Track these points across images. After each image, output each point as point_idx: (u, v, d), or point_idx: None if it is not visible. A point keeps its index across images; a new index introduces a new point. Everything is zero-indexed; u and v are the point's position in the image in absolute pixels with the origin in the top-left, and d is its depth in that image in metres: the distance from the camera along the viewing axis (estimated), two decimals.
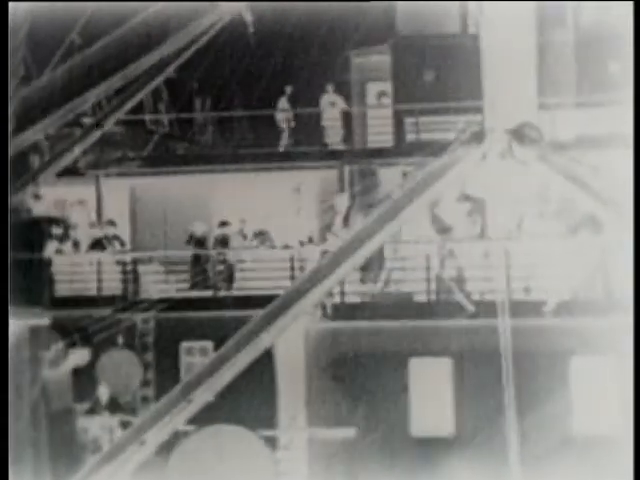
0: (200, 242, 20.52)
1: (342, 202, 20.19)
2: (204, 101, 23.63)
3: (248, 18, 19.95)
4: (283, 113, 22.23)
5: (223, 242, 20.44)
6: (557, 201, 19.16)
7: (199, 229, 20.71)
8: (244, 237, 20.53)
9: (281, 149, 22.12)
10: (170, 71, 16.82)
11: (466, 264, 18.86)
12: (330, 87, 22.48)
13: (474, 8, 21.34)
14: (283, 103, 22.52)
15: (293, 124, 22.14)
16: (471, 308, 18.48)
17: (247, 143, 22.78)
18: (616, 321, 18.28)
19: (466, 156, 16.30)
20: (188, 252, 20.50)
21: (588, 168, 16.83)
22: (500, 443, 17.17)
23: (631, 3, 14.93)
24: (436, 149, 16.70)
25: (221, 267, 19.98)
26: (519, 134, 16.18)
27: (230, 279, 19.99)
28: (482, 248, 18.63)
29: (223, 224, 20.52)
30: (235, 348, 15.67)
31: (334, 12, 20.76)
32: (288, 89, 22.43)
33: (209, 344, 19.49)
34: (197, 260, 20.12)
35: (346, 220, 19.99)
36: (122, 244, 21.21)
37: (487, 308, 17.90)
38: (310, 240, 20.59)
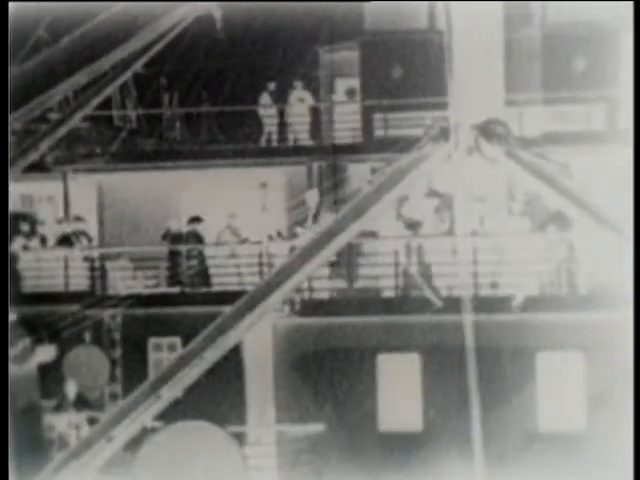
0: (176, 238, 20.48)
1: (313, 198, 20.20)
2: (172, 97, 23.55)
3: (217, 14, 19.93)
4: (265, 109, 22.24)
5: (196, 238, 20.39)
6: (524, 197, 19.26)
7: (175, 225, 20.68)
8: (234, 233, 20.44)
9: (263, 144, 22.13)
10: (138, 67, 16.77)
11: (434, 260, 18.92)
12: (298, 83, 22.48)
13: (442, 5, 21.41)
14: (265, 98, 22.52)
15: (277, 120, 22.17)
16: (439, 304, 18.55)
17: (215, 139, 22.73)
18: (582, 317, 18.45)
19: (434, 152, 16.38)
20: (156, 248, 20.43)
21: (555, 165, 16.96)
22: (467, 438, 17.28)
23: (631, 3, 15.01)
24: (404, 145, 16.76)
25: (195, 263, 19.92)
26: (486, 130, 16.26)
27: (205, 275, 19.94)
28: (450, 244, 18.70)
29: (194, 220, 20.47)
30: (203, 344, 15.67)
31: (303, 9, 20.77)
32: (271, 85, 22.43)
33: (177, 340, 19.46)
34: (173, 256, 20.08)
35: (316, 216, 20.01)
36: (90, 240, 21.13)
37: (455, 304, 17.97)
38: (279, 235, 20.59)
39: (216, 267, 20.19)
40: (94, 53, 13.70)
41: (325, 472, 18.74)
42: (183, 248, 20.09)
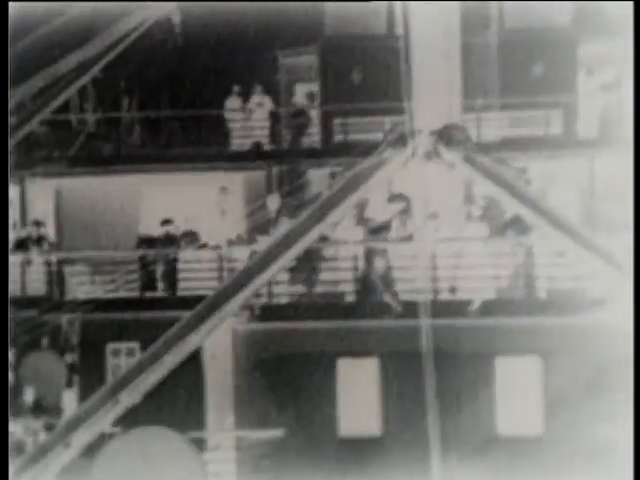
0: (151, 242, 20.39)
1: (273, 203, 20.19)
2: (131, 101, 23.45)
3: (176, 18, 19.87)
4: (232, 112, 22.22)
5: (169, 241, 20.31)
6: (483, 202, 19.35)
7: (146, 229, 20.60)
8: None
9: (231, 149, 22.10)
10: (96, 70, 16.70)
11: (393, 264, 18.97)
12: (258, 88, 22.48)
13: (400, 10, 21.49)
14: (233, 102, 22.49)
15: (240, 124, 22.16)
16: (398, 308, 18.60)
17: (175, 143, 22.67)
18: (540, 322, 18.56)
19: (393, 157, 16.44)
20: (115, 253, 20.34)
21: (513, 170, 17.07)
22: (426, 442, 17.34)
23: (631, 3, 15.11)
24: (364, 150, 16.81)
25: (164, 267, 19.84)
26: (445, 135, 16.36)
27: (172, 278, 19.86)
28: (410, 249, 18.76)
29: (166, 222, 20.39)
30: (162, 349, 15.62)
31: (262, 13, 20.77)
32: (236, 88, 22.41)
33: (136, 345, 19.37)
34: (146, 261, 19.99)
35: (276, 221, 20.01)
36: (51, 245, 21.01)
37: (414, 309, 18.02)
38: (239, 238, 20.55)
39: (178, 271, 20.13)
40: (52, 56, 13.63)
41: (285, 477, 18.72)
42: (136, 254, 19.97)
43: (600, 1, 18.59)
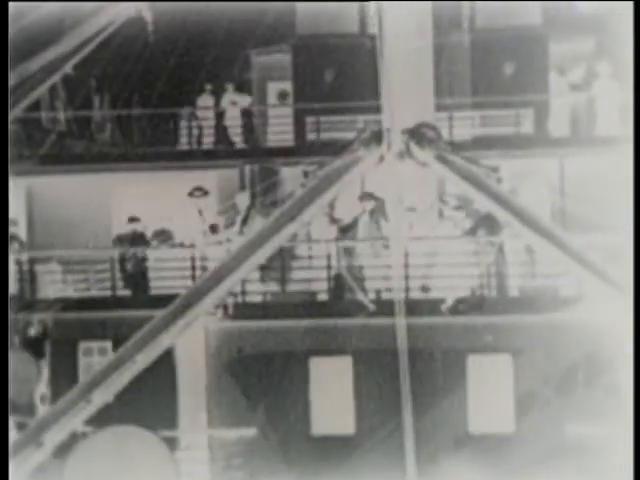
0: (123, 240, 20.32)
1: (243, 201, 20.18)
2: (102, 99, 23.38)
3: (148, 16, 19.81)
4: (205, 111, 22.20)
5: (137, 239, 20.24)
6: (455, 200, 19.42)
7: (120, 228, 20.53)
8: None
9: (204, 147, 22.07)
10: (67, 68, 16.60)
11: (366, 263, 19.00)
12: (231, 86, 22.46)
13: (373, 9, 21.52)
14: (205, 100, 22.45)
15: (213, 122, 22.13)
16: (371, 307, 18.64)
17: (147, 141, 22.62)
18: (511, 320, 18.65)
19: (366, 156, 16.46)
20: (86, 252, 20.26)
21: (485, 168, 17.13)
22: (399, 440, 17.38)
23: (631, 3, 15.17)
24: (337, 148, 16.83)
25: (135, 266, 19.77)
26: (417, 134, 16.40)
27: (144, 277, 19.81)
28: (384, 247, 18.79)
29: (132, 220, 20.31)
30: (135, 348, 15.56)
31: (234, 11, 20.75)
32: (208, 86, 22.38)
33: (108, 344, 19.31)
34: (123, 260, 19.92)
35: (246, 219, 19.99)
36: (21, 244, 20.89)
37: (387, 307, 18.06)
38: (212, 228, 20.49)
39: (150, 270, 20.08)
40: (22, 54, 13.57)
41: (258, 476, 18.72)
42: (108, 253, 19.90)
43: (600, 1, 18.60)
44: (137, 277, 19.76)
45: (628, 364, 18.24)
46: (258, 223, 19.29)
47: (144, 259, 19.78)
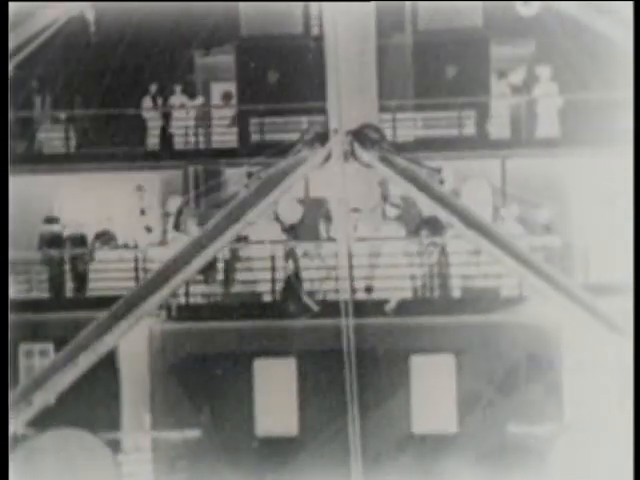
0: (58, 241, 20.15)
1: (173, 204, 20.13)
2: (44, 100, 23.18)
3: (90, 16, 19.66)
4: (149, 112, 22.07)
5: (55, 241, 20.07)
6: (398, 201, 19.53)
7: (57, 229, 20.34)
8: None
9: (148, 148, 21.93)
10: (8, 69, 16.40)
11: (311, 265, 19.05)
12: (179, 88, 22.37)
13: (316, 11, 21.59)
14: (147, 102, 22.33)
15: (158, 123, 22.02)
16: (315, 308, 18.67)
17: (89, 143, 22.45)
18: (454, 320, 18.80)
19: (310, 157, 16.53)
20: (27, 253, 20.08)
21: (428, 169, 17.27)
22: (343, 441, 17.45)
23: (631, 3, 15.30)
24: (281, 150, 16.87)
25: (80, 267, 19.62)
26: (361, 135, 16.51)
27: (83, 279, 19.66)
28: (329, 248, 18.86)
29: (49, 221, 20.15)
30: (77, 350, 15.47)
31: (178, 12, 20.69)
32: (152, 87, 22.26)
33: (49, 346, 19.15)
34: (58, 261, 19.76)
35: (177, 222, 19.96)
36: None
37: (331, 308, 18.11)
38: (148, 230, 20.40)
39: (93, 272, 19.94)
40: None
41: (202, 478, 18.67)
42: (56, 252, 19.75)
43: (600, 0, 18.74)
44: (80, 278, 19.63)
45: (568, 364, 18.47)
46: (191, 227, 19.32)
47: (87, 260, 19.65)
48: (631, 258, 15.12)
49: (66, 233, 20.28)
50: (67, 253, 19.59)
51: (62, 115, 22.56)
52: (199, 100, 22.46)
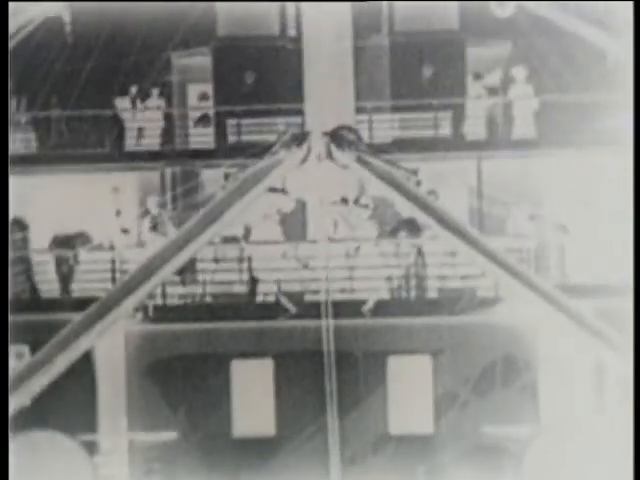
0: (64, 242, 20.09)
1: (154, 203, 20.11)
2: (19, 101, 23.08)
3: (66, 17, 19.59)
4: (126, 112, 22.02)
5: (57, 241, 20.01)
6: (368, 203, 19.57)
7: (59, 230, 20.29)
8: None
9: (125, 149, 21.87)
10: None
11: (289, 265, 19.05)
12: (155, 90, 22.33)
13: (293, 12, 21.61)
14: (125, 103, 22.28)
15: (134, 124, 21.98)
16: (293, 309, 18.68)
17: (66, 144, 22.38)
18: (431, 321, 18.85)
19: (287, 158, 16.53)
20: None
21: (404, 171, 17.29)
22: (321, 442, 17.46)
23: (631, 3, 15.34)
24: (258, 151, 16.86)
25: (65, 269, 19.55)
26: (337, 137, 16.52)
27: (68, 280, 19.59)
28: (307, 249, 18.88)
29: (16, 222, 20.06)
30: (53, 352, 15.40)
31: (155, 13, 20.65)
32: (129, 88, 22.21)
33: (25, 348, 19.07)
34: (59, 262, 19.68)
35: (155, 223, 19.92)
36: None
37: (308, 309, 18.13)
38: (124, 231, 20.34)
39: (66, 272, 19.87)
40: None
41: (179, 479, 18.66)
42: (33, 254, 19.67)
43: (600, 0, 18.81)
44: (56, 280, 19.56)
45: (544, 365, 18.55)
46: (168, 228, 19.29)
47: (63, 262, 19.58)
48: (631, 258, 15.19)
49: (50, 234, 20.20)
50: (32, 253, 19.49)
51: (38, 115, 22.47)
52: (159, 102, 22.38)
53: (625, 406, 16.45)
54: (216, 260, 19.22)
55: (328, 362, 15.58)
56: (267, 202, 18.93)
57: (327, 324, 15.85)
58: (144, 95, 22.33)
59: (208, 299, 19.12)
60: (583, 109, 20.50)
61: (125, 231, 20.34)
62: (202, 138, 22.10)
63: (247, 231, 19.74)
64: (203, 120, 22.07)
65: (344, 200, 19.11)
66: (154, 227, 19.75)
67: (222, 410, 18.81)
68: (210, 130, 21.93)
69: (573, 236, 19.07)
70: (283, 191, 18.73)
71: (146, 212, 20.33)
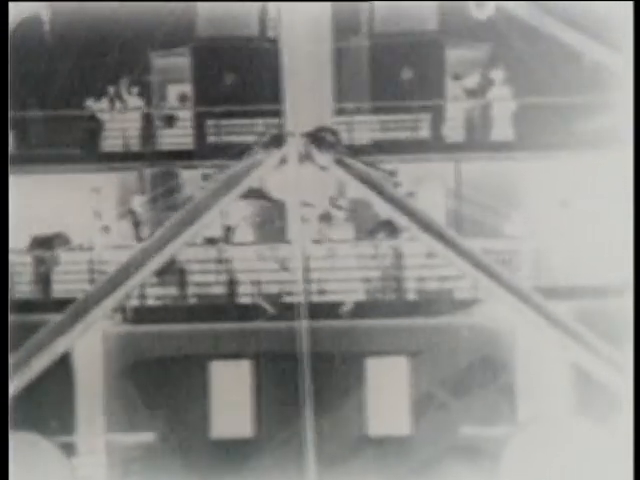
0: (43, 243, 20.03)
1: (138, 203, 20.07)
2: None
3: (45, 16, 19.55)
4: (105, 113, 21.97)
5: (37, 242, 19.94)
6: (354, 204, 19.61)
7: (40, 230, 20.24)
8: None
9: (103, 150, 21.81)
10: None
11: (268, 267, 19.06)
12: (134, 90, 22.28)
13: (273, 13, 21.60)
14: (104, 103, 22.21)
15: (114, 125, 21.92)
16: (271, 310, 18.69)
17: (44, 144, 22.31)
18: (409, 322, 18.89)
19: (266, 159, 16.55)
20: None
21: (384, 172, 17.35)
22: (299, 444, 17.49)
23: (631, 3, 15.37)
24: (237, 152, 16.87)
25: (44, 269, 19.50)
26: (317, 138, 16.56)
27: (46, 281, 19.53)
28: (285, 251, 18.89)
29: None
30: (30, 353, 15.38)
31: (134, 13, 20.62)
32: (107, 88, 22.16)
33: None
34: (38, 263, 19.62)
35: (138, 223, 19.90)
36: None
37: (287, 311, 18.14)
38: (106, 229, 20.30)
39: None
40: None
41: None
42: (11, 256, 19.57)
43: (598, 1, 18.85)
44: (34, 281, 19.50)
45: (522, 366, 18.63)
46: (146, 229, 19.28)
47: (42, 263, 19.53)
48: (631, 258, 15.26)
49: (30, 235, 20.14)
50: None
51: (16, 116, 22.40)
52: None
53: (603, 406, 16.55)
54: (195, 261, 19.21)
55: (302, 363, 15.60)
56: (245, 204, 18.98)
57: (301, 325, 15.89)
58: (120, 95, 22.28)
59: (187, 300, 19.10)
60: (561, 111, 20.58)
61: (105, 231, 20.30)
62: (181, 139, 22.07)
63: (227, 232, 19.74)
64: (169, 120, 22.02)
65: (327, 203, 19.14)
66: (136, 227, 19.73)
67: (200, 411, 18.80)
68: (178, 132, 21.89)
69: (551, 237, 19.14)
70: (263, 195, 18.79)
71: (127, 212, 20.31)
